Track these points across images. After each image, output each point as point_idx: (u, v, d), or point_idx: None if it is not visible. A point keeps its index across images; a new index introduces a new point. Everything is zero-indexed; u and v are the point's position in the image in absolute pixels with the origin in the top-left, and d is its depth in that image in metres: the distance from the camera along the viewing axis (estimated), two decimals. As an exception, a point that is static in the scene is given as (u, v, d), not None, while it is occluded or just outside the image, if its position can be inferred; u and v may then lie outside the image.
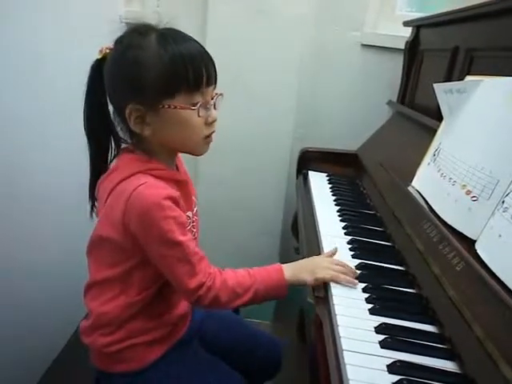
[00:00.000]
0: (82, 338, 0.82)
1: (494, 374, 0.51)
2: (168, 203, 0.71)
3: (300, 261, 0.86)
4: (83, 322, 0.83)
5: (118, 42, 0.75)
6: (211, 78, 0.75)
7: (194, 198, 0.87)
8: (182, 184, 0.81)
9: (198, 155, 0.82)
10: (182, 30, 0.76)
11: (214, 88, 0.78)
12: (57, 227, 1.24)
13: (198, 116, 0.74)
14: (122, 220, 0.72)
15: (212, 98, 0.77)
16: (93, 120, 0.79)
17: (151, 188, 0.71)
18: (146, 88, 0.71)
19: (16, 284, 1.11)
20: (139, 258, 0.75)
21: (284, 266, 0.81)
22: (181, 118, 0.74)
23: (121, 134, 0.79)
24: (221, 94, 0.79)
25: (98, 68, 0.77)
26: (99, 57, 0.76)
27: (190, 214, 0.83)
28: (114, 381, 0.82)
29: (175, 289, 0.78)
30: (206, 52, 0.75)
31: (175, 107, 0.72)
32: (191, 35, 0.76)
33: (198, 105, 0.73)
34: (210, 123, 0.77)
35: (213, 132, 0.79)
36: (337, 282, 0.77)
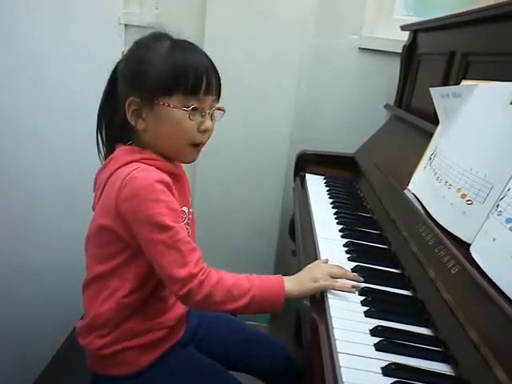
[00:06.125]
0: (78, 339, 0.82)
1: (488, 377, 0.51)
2: (160, 187, 0.72)
3: (297, 274, 0.82)
4: (79, 322, 0.82)
5: (135, 42, 0.81)
6: (211, 88, 0.77)
7: (190, 197, 0.87)
8: (177, 178, 0.81)
9: (184, 162, 0.84)
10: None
11: (215, 100, 0.80)
12: (54, 226, 1.24)
13: (190, 119, 0.76)
14: (115, 205, 0.72)
15: (210, 108, 0.79)
16: (107, 120, 0.83)
17: (143, 171, 0.73)
18: (146, 83, 0.75)
19: (11, 283, 1.10)
20: (135, 247, 0.75)
21: (284, 277, 0.78)
22: (173, 117, 0.76)
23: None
24: (221, 109, 0.81)
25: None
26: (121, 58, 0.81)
27: (185, 209, 0.83)
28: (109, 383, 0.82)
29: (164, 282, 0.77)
30: (213, 66, 0.79)
31: (169, 105, 0.75)
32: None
33: (191, 107, 0.75)
34: (202, 131, 0.78)
35: (204, 142, 0.80)
36: (339, 290, 0.76)
